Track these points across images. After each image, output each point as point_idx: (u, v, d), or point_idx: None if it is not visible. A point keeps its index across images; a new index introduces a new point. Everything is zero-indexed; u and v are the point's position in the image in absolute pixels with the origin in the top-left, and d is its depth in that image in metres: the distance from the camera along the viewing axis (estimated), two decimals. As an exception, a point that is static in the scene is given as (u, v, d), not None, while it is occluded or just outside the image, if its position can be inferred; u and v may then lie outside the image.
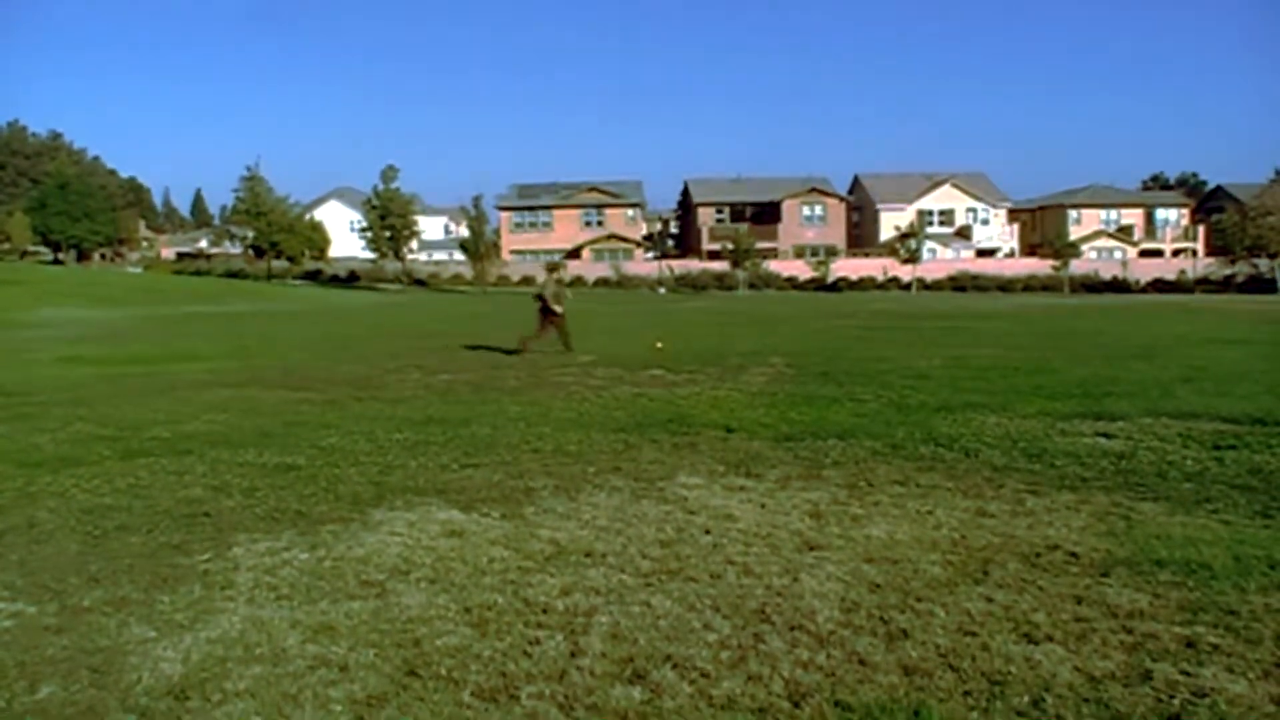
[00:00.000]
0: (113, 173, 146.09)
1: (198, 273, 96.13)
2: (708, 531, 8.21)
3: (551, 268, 28.63)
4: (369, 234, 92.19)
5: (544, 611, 6.43)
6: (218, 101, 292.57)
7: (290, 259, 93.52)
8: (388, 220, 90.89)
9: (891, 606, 6.47)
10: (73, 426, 13.62)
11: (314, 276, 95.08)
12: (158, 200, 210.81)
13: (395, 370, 20.67)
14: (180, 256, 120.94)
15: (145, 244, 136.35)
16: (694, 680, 5.40)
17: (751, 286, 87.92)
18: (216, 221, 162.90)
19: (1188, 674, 5.42)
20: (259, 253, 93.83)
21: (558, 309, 24.96)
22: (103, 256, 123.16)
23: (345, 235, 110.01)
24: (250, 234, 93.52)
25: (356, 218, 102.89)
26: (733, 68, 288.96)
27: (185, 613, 6.46)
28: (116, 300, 54.87)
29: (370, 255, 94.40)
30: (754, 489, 9.77)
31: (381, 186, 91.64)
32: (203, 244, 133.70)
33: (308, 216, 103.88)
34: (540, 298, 25.37)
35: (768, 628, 6.13)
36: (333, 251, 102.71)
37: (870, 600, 6.59)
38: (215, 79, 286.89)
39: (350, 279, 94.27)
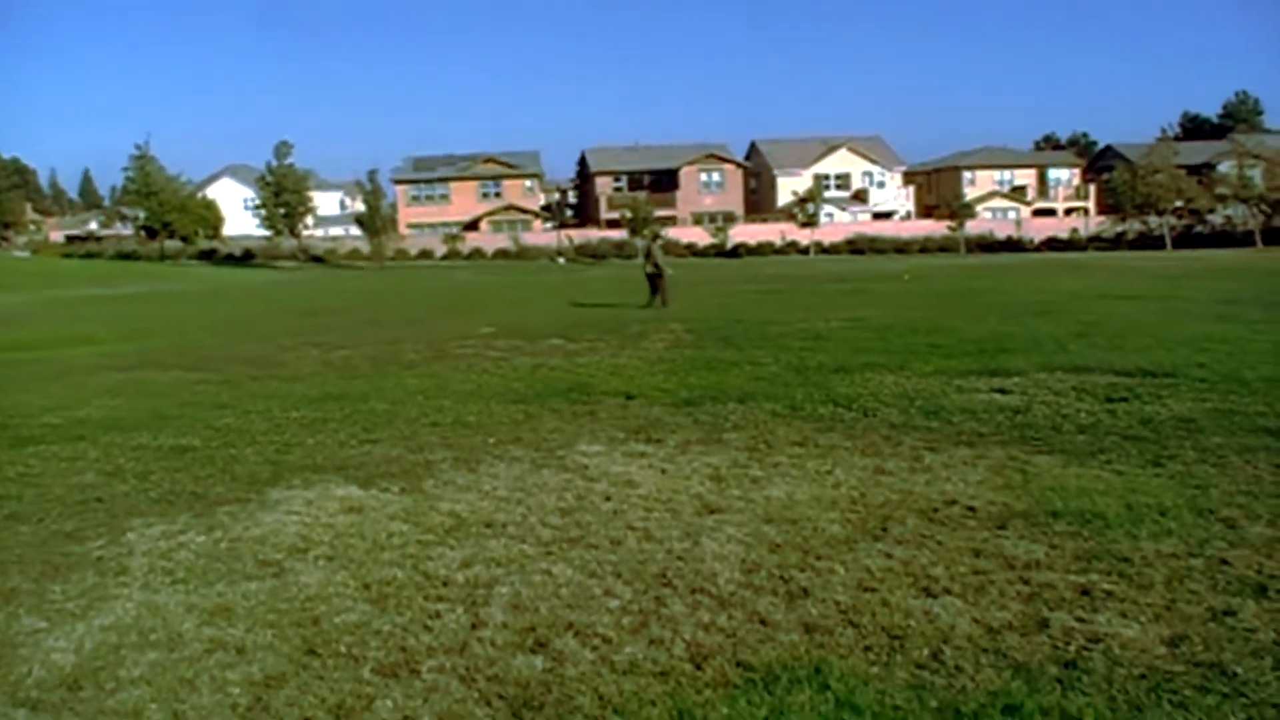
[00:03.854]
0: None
1: (88, 255, 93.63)
2: (608, 498, 8.21)
3: (654, 235, 35.11)
4: (263, 211, 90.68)
5: (444, 584, 6.38)
6: (104, 79, 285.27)
7: (184, 239, 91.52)
8: (282, 197, 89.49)
9: (792, 566, 6.50)
10: (-42, 415, 13.26)
11: (209, 256, 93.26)
12: (44, 182, 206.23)
13: (292, 348, 20.43)
14: (70, 239, 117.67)
15: (33, 227, 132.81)
16: (596, 647, 5.39)
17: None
18: (107, 203, 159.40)
19: (1083, 621, 5.52)
20: (151, 233, 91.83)
21: (668, 270, 29.21)
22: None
23: (239, 213, 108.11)
24: (142, 214, 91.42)
25: (250, 195, 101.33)
26: (628, 35, 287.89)
27: (78, 601, 6.32)
28: (3, 285, 53.58)
29: (265, 233, 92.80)
30: (654, 455, 9.79)
31: (275, 163, 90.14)
32: (93, 226, 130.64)
33: (200, 195, 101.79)
34: (656, 265, 28.91)
35: (669, 592, 6.14)
36: (227, 230, 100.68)
37: (771, 560, 6.62)
38: (100, 55, 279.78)
39: (245, 257, 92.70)
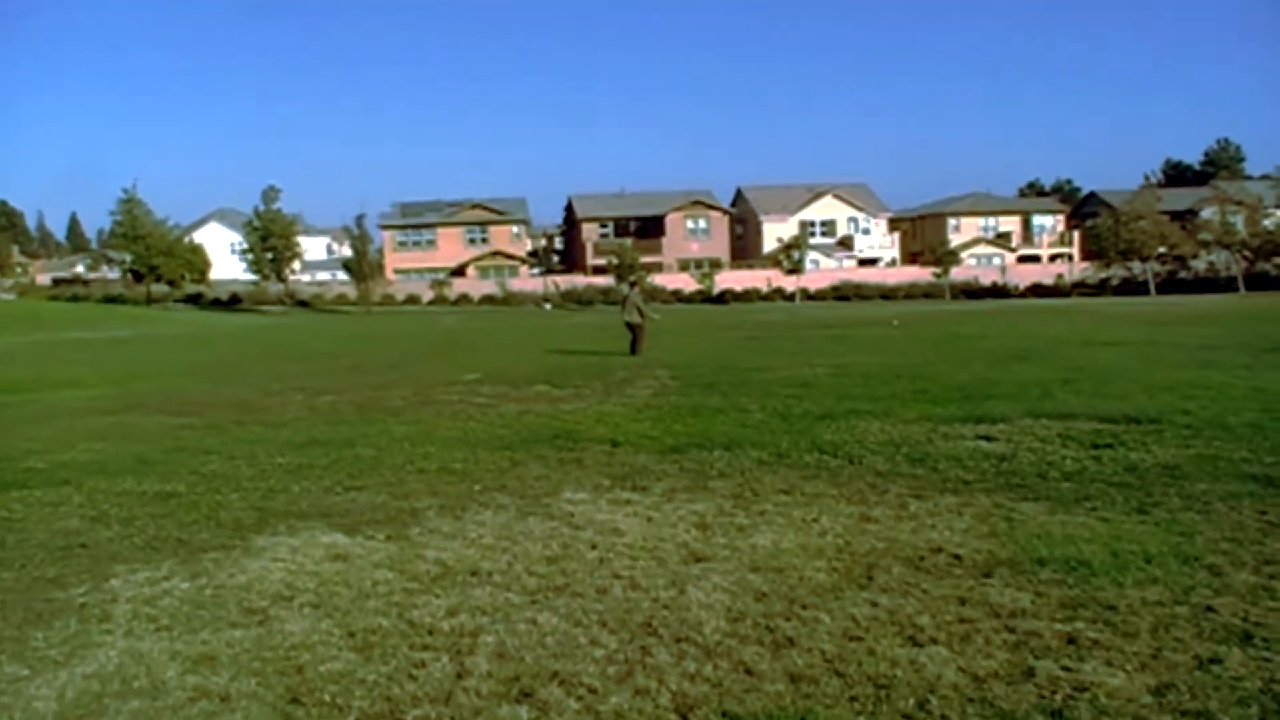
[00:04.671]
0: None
1: (75, 298, 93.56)
2: (594, 546, 8.18)
3: (632, 283, 34.43)
4: (250, 256, 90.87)
5: (429, 633, 6.35)
6: (92, 123, 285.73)
7: (170, 283, 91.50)
8: (269, 241, 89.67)
9: (777, 615, 6.49)
10: (-60, 460, 13.19)
11: (195, 300, 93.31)
12: (31, 225, 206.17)
13: (278, 393, 20.39)
14: (56, 282, 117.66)
15: (19, 270, 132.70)
16: (581, 697, 5.36)
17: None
18: (94, 246, 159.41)
19: (1069, 669, 5.51)
20: (138, 277, 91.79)
21: (654, 316, 30.17)
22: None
23: (226, 257, 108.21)
24: (129, 258, 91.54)
25: (238, 239, 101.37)
26: (614, 82, 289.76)
27: (60, 648, 6.27)
28: (-12, 328, 53.47)
29: (252, 277, 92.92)
30: (640, 502, 9.76)
31: (262, 207, 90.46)
32: (79, 269, 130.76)
33: (188, 239, 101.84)
34: (639, 312, 28.97)
35: (654, 641, 6.12)
36: (214, 274, 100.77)
37: (756, 609, 6.60)
38: (88, 99, 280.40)
39: (232, 301, 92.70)
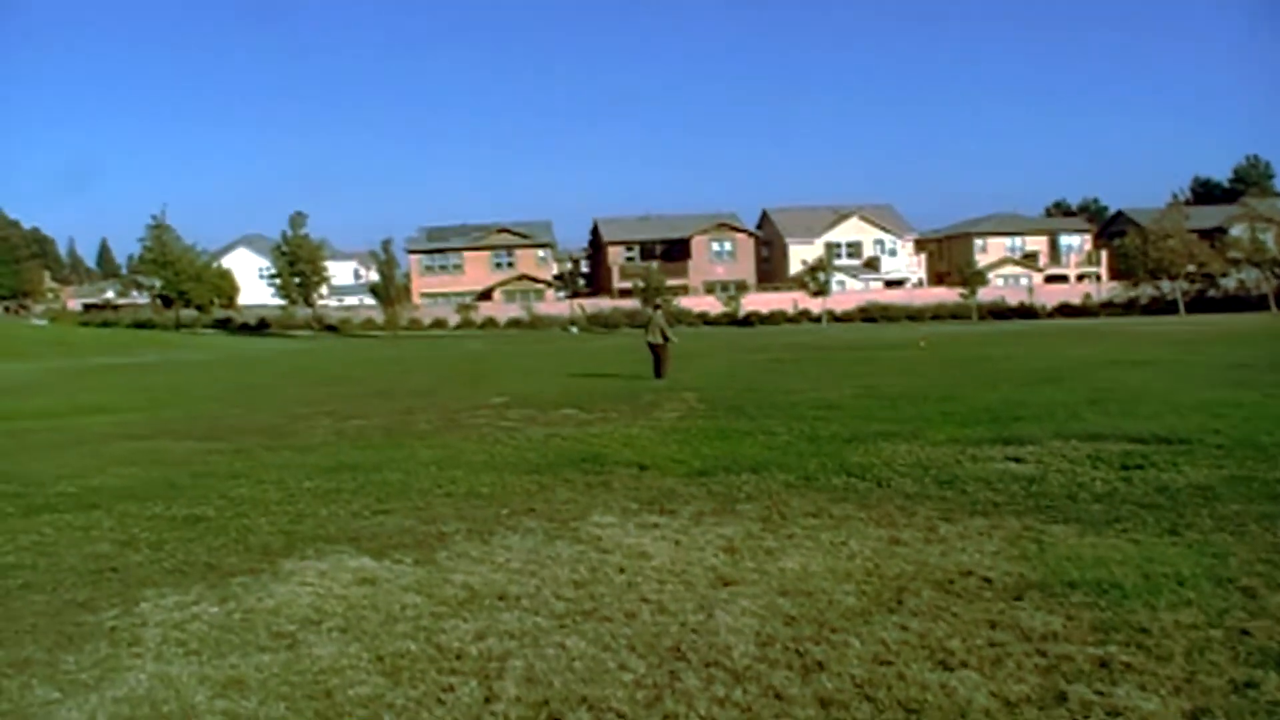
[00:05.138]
0: (15, 224, 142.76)
1: (105, 324, 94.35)
2: (622, 570, 8.16)
3: (655, 305, 35.38)
4: (278, 281, 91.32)
5: (457, 657, 6.34)
6: (121, 150, 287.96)
7: (199, 308, 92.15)
8: (297, 266, 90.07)
9: (807, 639, 6.45)
10: (-27, 485, 13.27)
11: (224, 325, 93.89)
12: (63, 251, 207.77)
13: (306, 417, 20.46)
14: (87, 308, 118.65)
15: (51, 296, 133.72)
16: (610, 721, 5.34)
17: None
18: (124, 271, 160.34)
19: (1101, 694, 5.45)
20: (167, 302, 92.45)
21: (674, 340, 29.61)
22: (5, 309, 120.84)
23: (254, 282, 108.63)
24: (158, 283, 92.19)
25: (265, 265, 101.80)
26: (639, 105, 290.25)
27: (91, 672, 6.29)
28: (21, 353, 53.77)
29: (280, 302, 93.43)
30: (668, 526, 9.74)
31: (290, 233, 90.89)
32: (109, 294, 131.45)
33: (216, 264, 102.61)
34: (663, 334, 28.96)
35: (683, 665, 6.09)
36: (242, 299, 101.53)
37: (785, 633, 6.57)
38: (117, 126, 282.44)
39: (260, 326, 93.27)
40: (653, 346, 28.52)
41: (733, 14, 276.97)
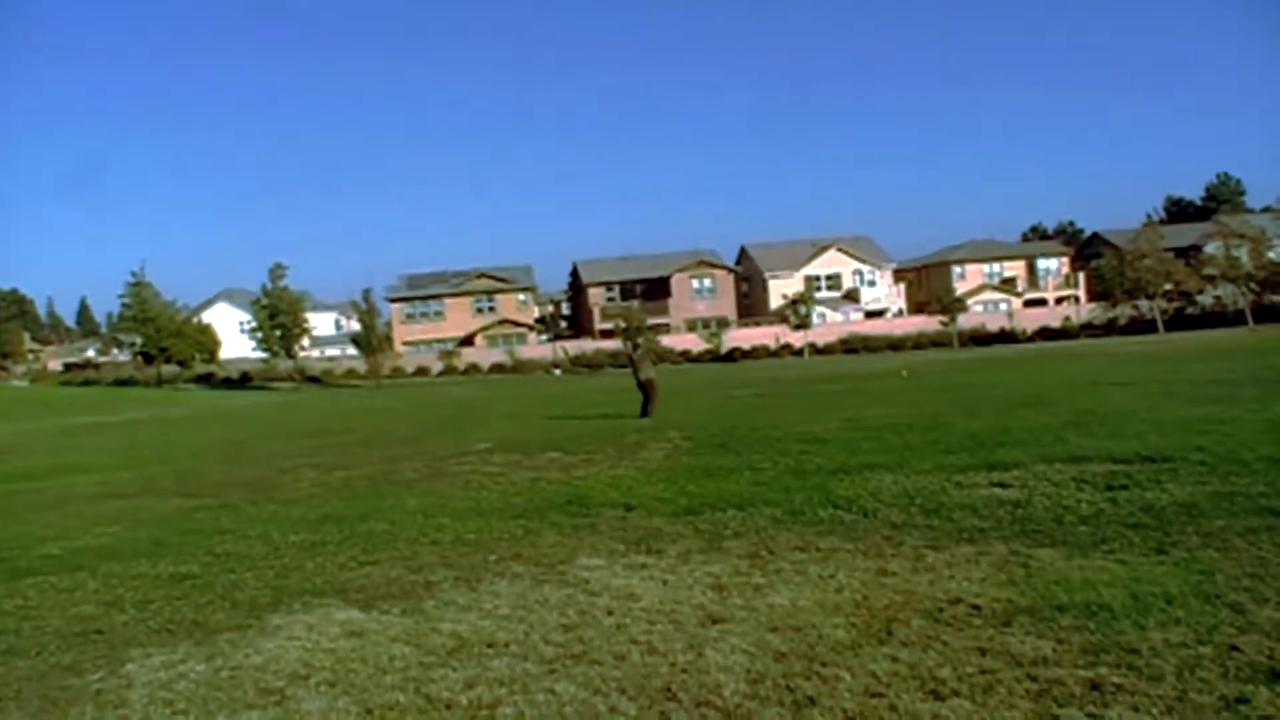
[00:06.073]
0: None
1: (86, 382, 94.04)
2: (610, 612, 8.14)
3: (634, 345, 36.28)
4: (259, 334, 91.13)
5: (447, 707, 6.31)
6: (97, 208, 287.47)
7: (181, 363, 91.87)
8: (277, 319, 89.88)
9: (797, 674, 6.44)
10: (-45, 551, 13.19)
11: (206, 379, 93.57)
12: (42, 311, 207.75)
13: (290, 470, 20.39)
14: (68, 367, 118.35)
15: (31, 356, 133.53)
16: (602, 766, 5.32)
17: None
18: (104, 330, 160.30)
19: (1094, 717, 5.47)
20: (148, 359, 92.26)
21: (650, 375, 29.44)
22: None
23: (235, 336, 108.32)
24: (139, 340, 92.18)
25: (246, 318, 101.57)
26: (613, 146, 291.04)
27: (76, 737, 6.25)
28: (2, 414, 53.64)
29: (262, 355, 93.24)
30: (655, 566, 9.72)
31: (270, 285, 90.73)
32: (90, 353, 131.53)
33: (196, 319, 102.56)
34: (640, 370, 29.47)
35: (674, 705, 6.07)
36: (224, 353, 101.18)
37: (776, 669, 6.56)
38: (93, 183, 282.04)
39: (243, 380, 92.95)
40: (642, 384, 28.53)
41: (708, 52, 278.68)
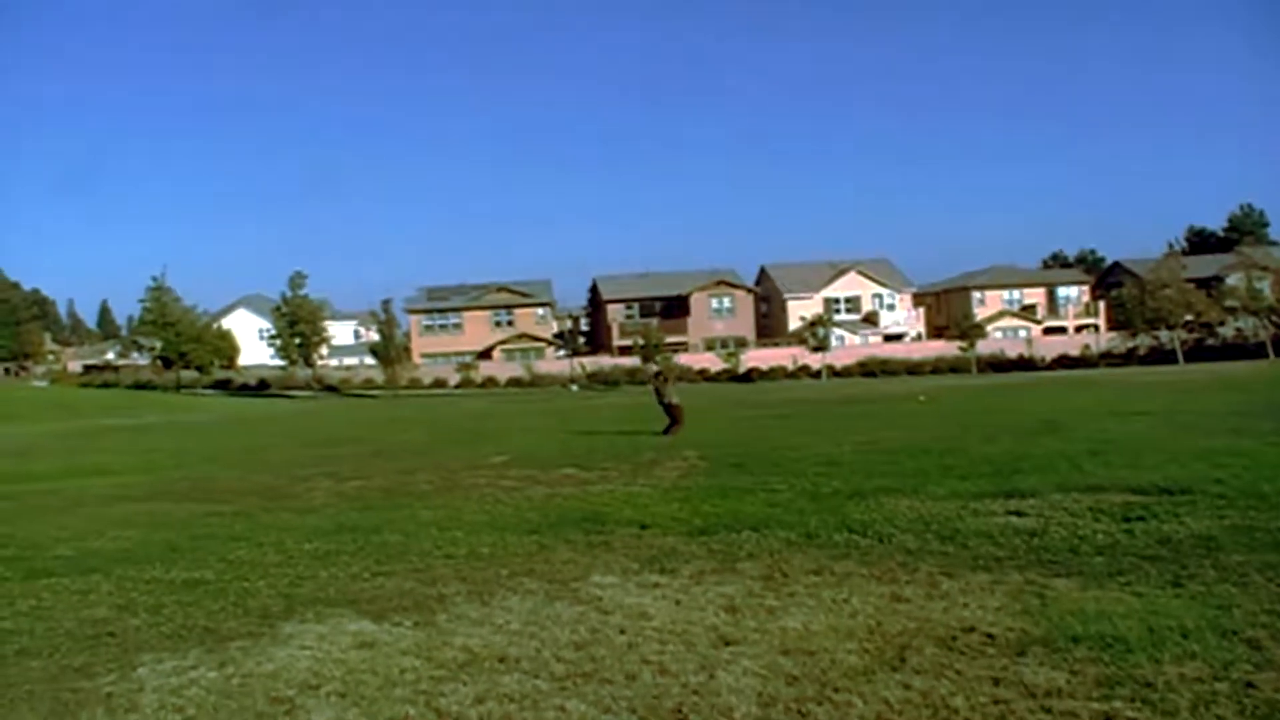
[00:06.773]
0: (15, 285, 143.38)
1: (105, 385, 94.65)
2: (622, 631, 8.12)
3: (656, 373, 36.40)
4: (278, 341, 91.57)
5: (456, 722, 6.29)
6: (121, 211, 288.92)
7: (199, 368, 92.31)
8: (297, 327, 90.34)
9: (809, 699, 6.41)
10: (-29, 550, 13.24)
11: (224, 385, 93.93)
12: (63, 312, 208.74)
13: (305, 479, 20.42)
14: (87, 369, 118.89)
15: (51, 357, 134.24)
16: (611, 786, 5.30)
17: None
18: (124, 332, 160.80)
19: (1107, 751, 5.41)
20: (167, 363, 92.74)
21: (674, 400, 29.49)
22: (6, 371, 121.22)
23: (254, 343, 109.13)
24: (158, 344, 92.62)
25: (265, 325, 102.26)
26: (636, 164, 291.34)
27: (86, 741, 6.25)
28: (21, 416, 53.90)
29: (280, 363, 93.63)
30: (668, 585, 9.70)
31: (290, 293, 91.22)
32: (110, 355, 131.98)
33: (216, 325, 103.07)
34: (660, 394, 29.81)
35: (685, 727, 6.04)
36: (242, 360, 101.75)
37: (788, 693, 6.53)
38: (119, 187, 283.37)
39: (260, 387, 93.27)
40: (668, 407, 28.58)
41: (733, 72, 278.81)
